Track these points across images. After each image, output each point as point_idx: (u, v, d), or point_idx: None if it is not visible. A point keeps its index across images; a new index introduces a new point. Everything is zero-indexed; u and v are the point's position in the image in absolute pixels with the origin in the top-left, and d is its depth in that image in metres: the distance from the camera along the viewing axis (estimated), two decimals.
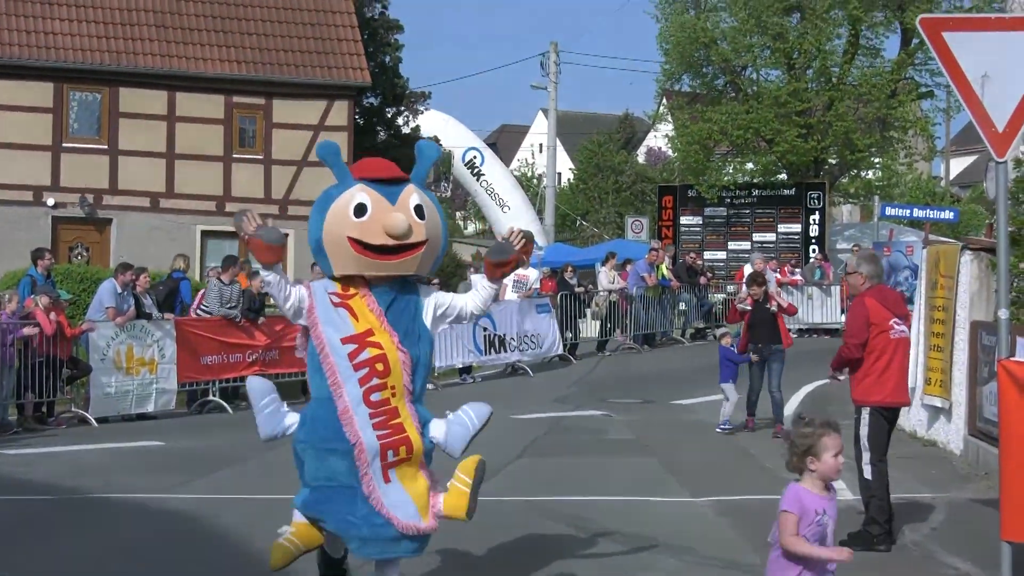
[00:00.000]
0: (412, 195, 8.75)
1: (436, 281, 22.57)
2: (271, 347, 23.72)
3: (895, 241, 19.80)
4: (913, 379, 18.04)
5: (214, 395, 23.05)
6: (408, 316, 8.79)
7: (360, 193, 8.65)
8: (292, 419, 8.88)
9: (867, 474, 12.20)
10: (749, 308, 19.07)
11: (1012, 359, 10.52)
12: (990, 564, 10.40)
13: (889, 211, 29.85)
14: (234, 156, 36.48)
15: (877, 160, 42.58)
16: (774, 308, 18.90)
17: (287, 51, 36.83)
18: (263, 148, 36.67)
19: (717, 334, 21.18)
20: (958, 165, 73.96)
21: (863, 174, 43.84)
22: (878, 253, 19.79)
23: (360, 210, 8.60)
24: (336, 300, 8.72)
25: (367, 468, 8.52)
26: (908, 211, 29.78)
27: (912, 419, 18.48)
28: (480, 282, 9.29)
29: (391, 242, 8.55)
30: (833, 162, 42.29)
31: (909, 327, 12.59)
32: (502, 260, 8.96)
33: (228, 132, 36.40)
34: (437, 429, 8.97)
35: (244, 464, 16.40)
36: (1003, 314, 10.53)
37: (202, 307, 23.50)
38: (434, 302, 9.01)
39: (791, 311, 19.91)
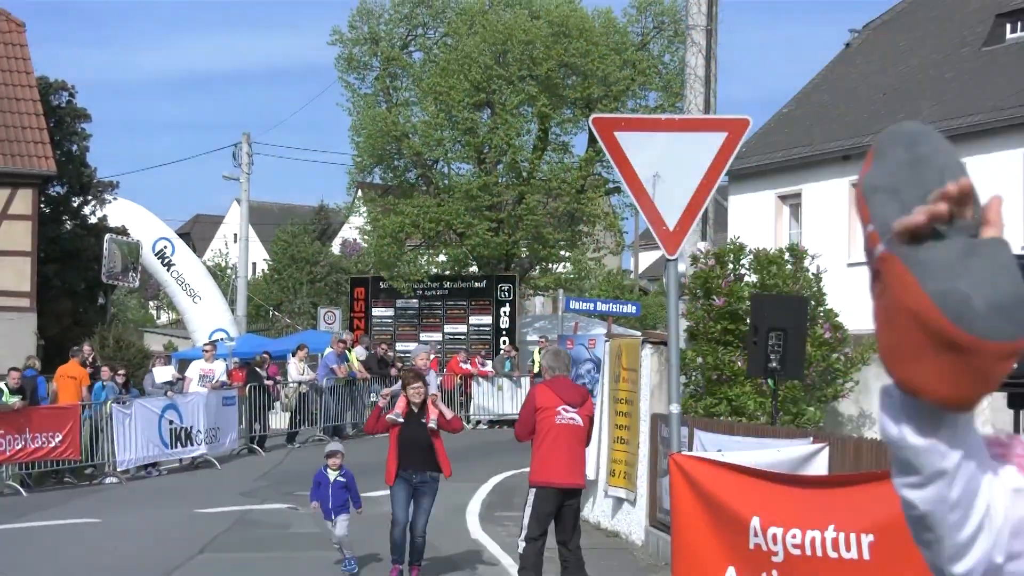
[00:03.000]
0: None
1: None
2: None
3: (577, 335, 20.19)
4: (594, 470, 18.37)
5: None
6: None
7: None
8: None
9: (519, 549, 12.78)
10: (401, 420, 13.94)
11: (683, 453, 10.79)
12: None
13: (574, 304, 30.54)
14: None
15: (567, 254, 43.50)
16: (433, 423, 14.02)
17: None
18: None
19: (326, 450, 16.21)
20: (647, 259, 76.19)
21: (553, 267, 44.73)
22: (562, 347, 20.03)
23: None
24: None
25: None
26: (592, 305, 30.53)
27: (596, 510, 18.77)
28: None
29: None
30: (524, 255, 43.02)
31: (585, 418, 12.84)
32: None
33: None
34: None
35: None
36: (674, 408, 10.80)
37: None
38: None
39: (455, 427, 14.59)
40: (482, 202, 40.25)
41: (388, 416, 13.99)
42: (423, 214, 40.05)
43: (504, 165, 41.64)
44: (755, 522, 9.65)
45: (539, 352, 13.67)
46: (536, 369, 33.94)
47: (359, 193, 46.53)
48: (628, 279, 67.52)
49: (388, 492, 14.58)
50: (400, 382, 14.64)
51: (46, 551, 17.04)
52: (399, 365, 35.70)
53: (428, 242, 42.71)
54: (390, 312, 41.23)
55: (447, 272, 42.36)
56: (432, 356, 15.65)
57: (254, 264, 70.49)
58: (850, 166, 37.42)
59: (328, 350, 32.60)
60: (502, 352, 37.85)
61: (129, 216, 43.63)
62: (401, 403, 14.15)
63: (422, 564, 14.63)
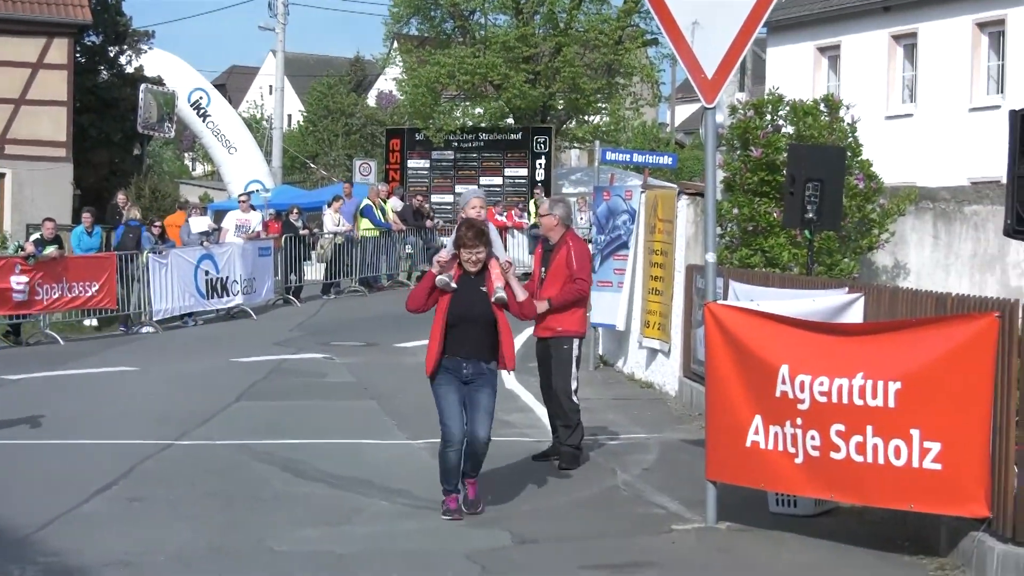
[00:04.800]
0: None
1: None
2: None
3: (615, 186, 20.04)
4: (626, 322, 18.39)
5: None
6: None
7: None
8: None
9: (576, 398, 12.88)
10: (454, 285, 10.75)
11: (719, 302, 10.73)
12: (696, 503, 10.61)
13: (610, 156, 30.15)
14: None
15: (604, 106, 43.06)
16: (499, 295, 10.76)
17: None
18: None
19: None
20: (683, 112, 75.43)
21: (590, 119, 44.30)
22: (599, 198, 19.91)
23: None
24: None
25: None
26: (628, 156, 30.27)
27: (631, 361, 18.79)
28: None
29: None
30: (560, 108, 42.63)
31: None
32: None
33: None
34: None
35: None
36: (710, 258, 10.71)
37: None
38: None
39: (527, 313, 11.18)
40: (519, 53, 39.76)
41: (437, 279, 10.61)
42: (459, 65, 39.57)
43: (542, 16, 41.05)
44: (784, 370, 9.63)
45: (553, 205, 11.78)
46: (533, 221, 33.57)
47: (395, 44, 46.04)
48: (664, 132, 66.93)
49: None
50: (453, 240, 10.93)
51: (84, 398, 17.20)
52: (434, 217, 35.71)
53: (464, 94, 42.31)
54: (426, 164, 41.02)
55: (484, 124, 42.02)
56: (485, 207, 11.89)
57: (289, 116, 70.26)
58: (890, 17, 36.84)
59: (365, 201, 32.47)
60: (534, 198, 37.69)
61: (165, 66, 43.37)
62: (454, 263, 10.83)
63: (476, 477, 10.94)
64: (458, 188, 40.06)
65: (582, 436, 12.83)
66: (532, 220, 34.26)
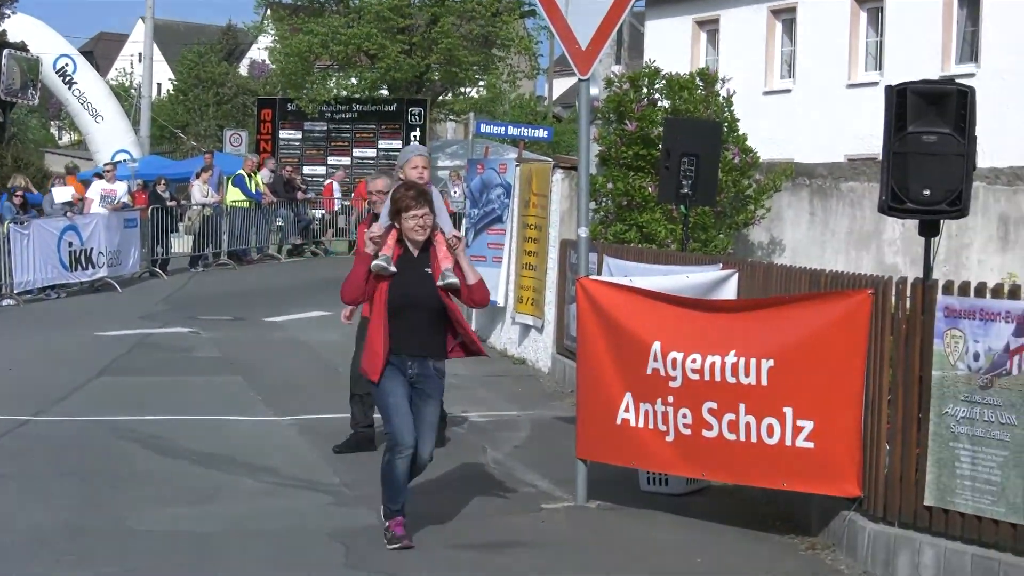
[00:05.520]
0: None
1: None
2: None
3: (489, 159, 19.85)
4: (503, 297, 18.19)
5: None
6: None
7: None
8: None
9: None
10: (391, 268, 8.85)
11: (591, 277, 10.55)
12: (567, 482, 10.45)
13: (484, 128, 30.08)
14: None
15: (481, 78, 42.82)
16: (447, 278, 8.86)
17: None
18: None
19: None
20: (561, 85, 75.21)
21: (467, 91, 44.04)
22: (472, 171, 19.67)
23: None
24: None
25: None
26: (503, 129, 30.08)
27: (503, 337, 18.63)
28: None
29: None
30: (437, 79, 42.32)
31: None
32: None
33: None
34: None
35: None
36: (582, 232, 10.53)
37: None
38: None
39: (478, 299, 9.07)
40: (394, 23, 39.37)
41: (373, 264, 8.81)
42: (333, 35, 39.07)
43: None
44: (656, 347, 9.50)
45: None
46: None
47: (268, 12, 45.38)
48: (542, 106, 66.87)
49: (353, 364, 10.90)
50: (387, 208, 9.11)
51: None
52: (305, 189, 35.27)
53: (338, 64, 41.82)
54: (298, 135, 40.51)
55: (358, 95, 41.56)
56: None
57: (159, 85, 69.12)
58: None
59: (239, 171, 31.93)
60: None
61: (29, 32, 42.24)
62: (390, 240, 8.94)
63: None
64: (330, 160, 39.63)
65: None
66: None
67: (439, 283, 8.83)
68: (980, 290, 7.98)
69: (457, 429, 13.00)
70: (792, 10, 36.53)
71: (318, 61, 41.64)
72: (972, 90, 9.74)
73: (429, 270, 8.86)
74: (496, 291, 18.32)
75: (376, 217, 11.56)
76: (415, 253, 8.89)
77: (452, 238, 8.96)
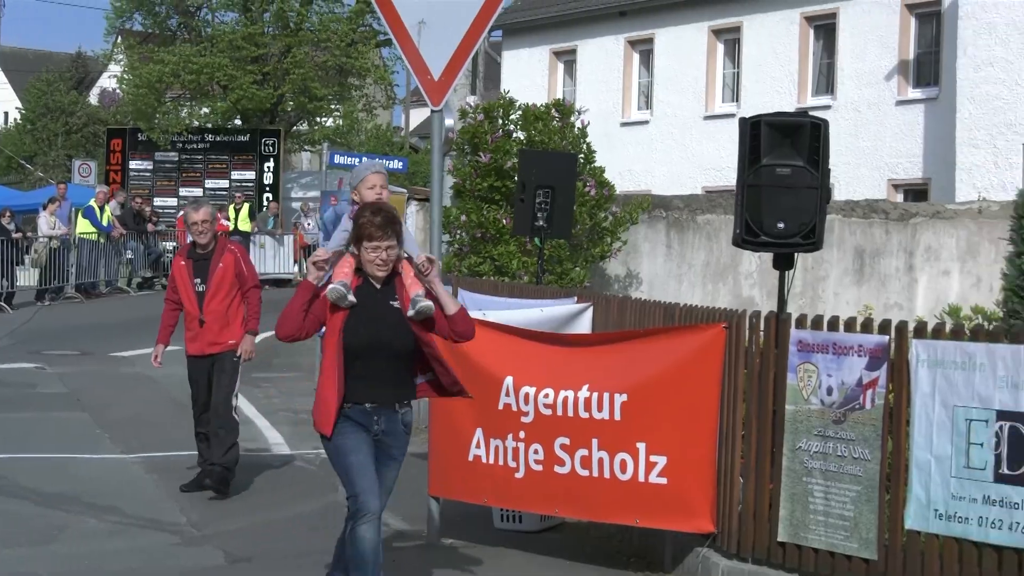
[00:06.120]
0: None
1: None
2: None
3: (342, 190, 19.59)
4: None
5: None
6: None
7: None
8: None
9: (236, 414, 12.02)
10: (352, 299, 7.35)
11: None
12: (420, 519, 10.30)
13: (338, 159, 29.82)
14: None
15: (336, 108, 42.56)
16: (421, 306, 7.36)
17: None
18: None
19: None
20: (419, 116, 75.07)
21: (322, 122, 43.70)
22: (325, 204, 19.47)
23: None
24: None
25: None
26: (358, 159, 29.84)
27: None
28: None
29: None
30: (291, 109, 41.98)
31: None
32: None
33: None
34: None
35: None
36: None
37: None
38: None
39: (461, 329, 7.62)
40: (247, 53, 38.98)
41: (330, 288, 7.31)
42: (184, 64, 38.56)
43: (271, 15, 40.33)
44: (508, 382, 9.39)
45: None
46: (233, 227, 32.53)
47: (119, 40, 44.66)
48: (398, 136, 66.69)
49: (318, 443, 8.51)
50: (350, 231, 7.62)
51: None
52: (156, 221, 34.65)
53: (190, 94, 41.26)
54: (148, 165, 39.84)
55: (210, 125, 41.03)
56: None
57: (6, 113, 67.72)
58: (627, 22, 37.12)
59: (90, 202, 31.25)
60: (265, 209, 36.95)
61: None
62: (345, 266, 7.48)
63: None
64: (182, 191, 39.03)
65: (238, 457, 11.85)
66: (232, 226, 33.01)
67: (409, 312, 7.34)
68: (833, 323, 7.99)
69: (307, 466, 12.79)
70: (649, 41, 36.69)
71: (169, 90, 41.05)
72: (825, 122, 9.76)
73: (396, 303, 7.40)
74: None
75: (195, 247, 11.48)
76: (377, 285, 7.42)
77: (423, 262, 7.37)
